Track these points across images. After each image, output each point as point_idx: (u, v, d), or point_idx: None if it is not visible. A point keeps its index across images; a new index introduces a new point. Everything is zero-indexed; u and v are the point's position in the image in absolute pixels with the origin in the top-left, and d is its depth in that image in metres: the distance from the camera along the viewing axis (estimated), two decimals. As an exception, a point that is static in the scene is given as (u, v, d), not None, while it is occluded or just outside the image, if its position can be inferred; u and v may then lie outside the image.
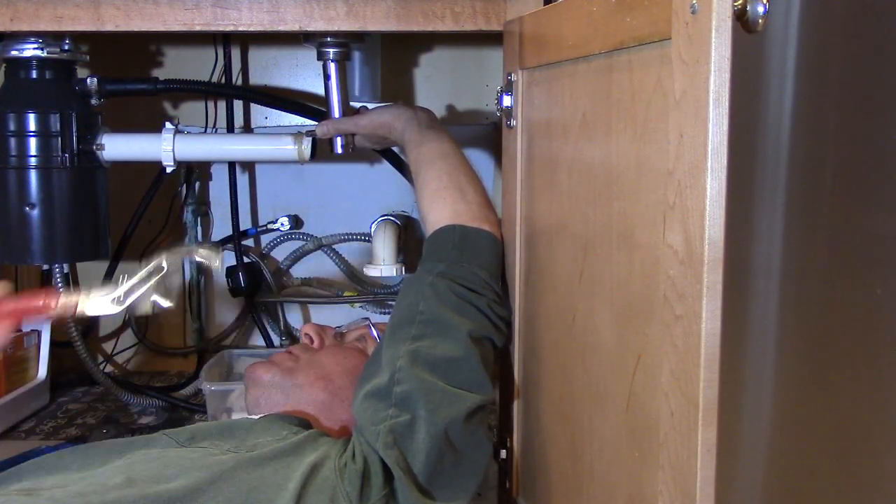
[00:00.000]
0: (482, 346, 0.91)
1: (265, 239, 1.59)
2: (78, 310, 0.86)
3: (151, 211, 1.51)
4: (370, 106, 1.26)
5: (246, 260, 1.55)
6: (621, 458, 0.69)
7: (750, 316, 0.88)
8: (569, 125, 0.79)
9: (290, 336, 1.58)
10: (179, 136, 1.25)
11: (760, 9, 0.51)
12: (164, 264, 0.89)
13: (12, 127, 1.17)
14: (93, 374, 1.44)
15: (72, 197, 1.21)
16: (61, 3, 0.98)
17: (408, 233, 1.51)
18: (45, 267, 1.41)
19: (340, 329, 1.09)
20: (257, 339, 1.59)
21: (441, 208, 1.01)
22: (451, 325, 0.89)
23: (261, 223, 1.56)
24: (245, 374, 0.99)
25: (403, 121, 1.13)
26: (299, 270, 1.60)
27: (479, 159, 1.50)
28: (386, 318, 1.54)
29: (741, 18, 0.51)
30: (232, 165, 1.50)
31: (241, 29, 1.00)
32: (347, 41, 1.24)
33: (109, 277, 1.49)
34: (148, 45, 1.51)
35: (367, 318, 1.09)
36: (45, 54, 1.17)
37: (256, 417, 0.91)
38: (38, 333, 1.45)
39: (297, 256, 1.58)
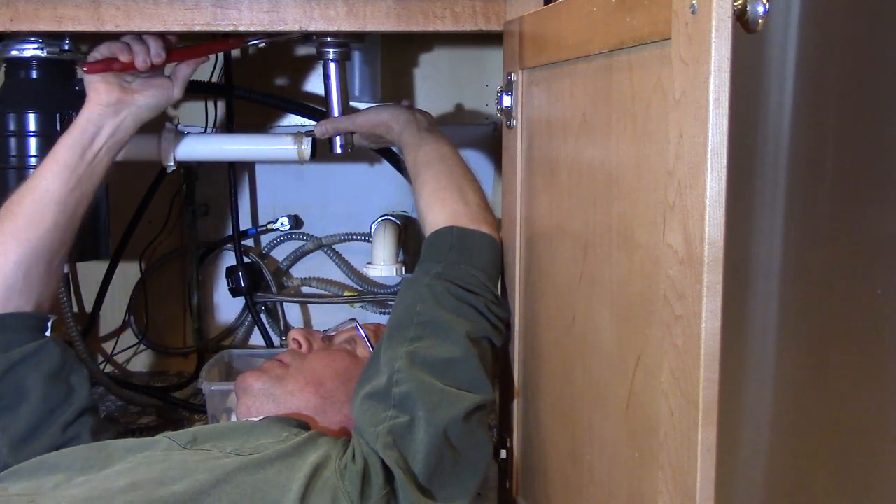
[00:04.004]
0: (480, 346, 0.91)
1: (265, 239, 1.59)
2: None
3: (151, 211, 1.51)
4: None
5: (246, 260, 1.55)
6: (621, 458, 0.69)
7: (750, 316, 0.88)
8: (569, 125, 0.79)
9: (290, 336, 1.58)
10: (179, 136, 1.25)
11: (760, 9, 0.51)
12: None
13: (12, 127, 1.17)
14: (93, 373, 1.43)
15: (72, 197, 1.21)
16: (61, 3, 0.98)
17: (408, 233, 1.51)
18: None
19: (328, 332, 1.09)
20: (257, 339, 1.59)
21: (440, 210, 1.01)
22: (449, 326, 0.89)
23: (261, 223, 1.56)
24: (235, 383, 0.99)
25: (402, 122, 1.13)
26: (299, 270, 1.60)
27: (479, 159, 1.50)
28: (381, 318, 1.55)
29: (741, 18, 0.51)
30: (232, 165, 1.50)
31: (241, 29, 1.00)
32: (347, 41, 1.24)
33: (109, 277, 1.49)
34: (148, 45, 1.51)
35: (354, 319, 1.08)
36: (45, 54, 1.17)
37: (256, 419, 0.92)
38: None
39: (297, 256, 1.58)
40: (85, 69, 1.03)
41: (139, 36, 1.04)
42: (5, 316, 0.94)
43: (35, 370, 0.93)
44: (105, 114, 1.03)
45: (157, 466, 0.78)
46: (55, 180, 1.00)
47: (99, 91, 1.03)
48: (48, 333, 0.97)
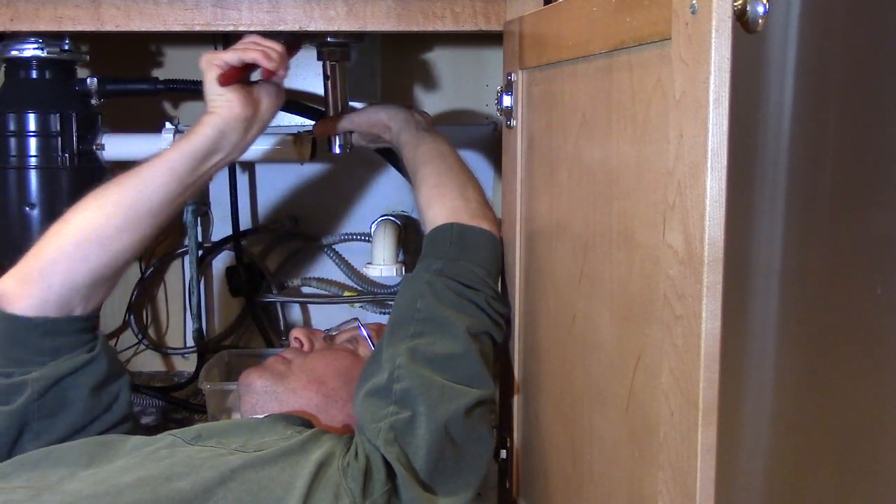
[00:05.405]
0: (481, 341, 0.91)
1: (265, 239, 1.59)
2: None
3: (151, 211, 1.50)
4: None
5: (246, 260, 1.55)
6: (621, 458, 0.69)
7: (750, 316, 0.88)
8: (569, 125, 0.79)
9: (290, 336, 1.58)
10: (179, 136, 1.25)
11: (760, 9, 0.51)
12: None
13: (12, 127, 1.17)
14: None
15: (72, 197, 1.19)
16: (61, 3, 0.98)
17: (408, 233, 1.51)
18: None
19: (330, 331, 1.09)
20: (257, 339, 1.59)
21: (439, 206, 1.02)
22: (449, 322, 0.89)
23: (261, 223, 1.56)
24: (238, 380, 1.00)
25: (399, 122, 1.14)
26: (299, 270, 1.60)
27: (479, 159, 1.50)
28: (382, 318, 1.55)
29: (741, 18, 0.52)
30: (232, 165, 1.50)
31: (241, 29, 1.00)
32: (347, 41, 1.24)
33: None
34: (148, 45, 1.51)
35: (356, 319, 1.09)
36: (45, 54, 1.17)
37: (261, 417, 0.92)
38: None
39: (297, 256, 1.58)
40: (221, 80, 0.92)
41: (257, 38, 0.96)
42: (59, 320, 0.90)
43: (82, 383, 0.90)
44: (238, 128, 0.94)
45: (162, 462, 0.78)
46: (161, 189, 0.91)
47: (234, 103, 0.93)
48: (98, 330, 0.95)
